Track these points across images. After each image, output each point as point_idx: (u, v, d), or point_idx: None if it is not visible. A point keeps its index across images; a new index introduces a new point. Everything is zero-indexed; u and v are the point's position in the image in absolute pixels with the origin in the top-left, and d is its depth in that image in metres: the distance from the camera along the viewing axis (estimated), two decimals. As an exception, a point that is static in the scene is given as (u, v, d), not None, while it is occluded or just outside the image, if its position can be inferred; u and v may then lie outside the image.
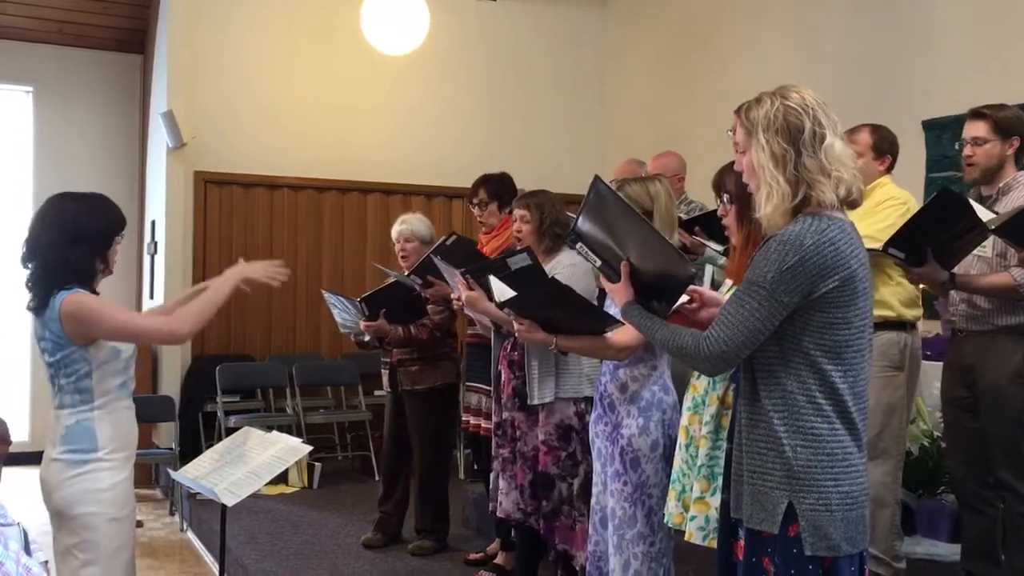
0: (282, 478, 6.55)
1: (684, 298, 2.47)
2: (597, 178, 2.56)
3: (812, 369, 2.14)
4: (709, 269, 4.17)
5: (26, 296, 3.02)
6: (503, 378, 4.09)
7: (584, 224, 2.57)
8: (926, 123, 5.76)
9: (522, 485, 3.96)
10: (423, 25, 7.42)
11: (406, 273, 4.85)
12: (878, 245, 3.50)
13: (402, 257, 5.10)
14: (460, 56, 8.54)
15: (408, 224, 5.14)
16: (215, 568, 5.30)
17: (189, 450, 6.42)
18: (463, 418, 5.26)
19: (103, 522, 2.88)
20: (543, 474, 3.89)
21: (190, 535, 6.26)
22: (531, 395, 3.88)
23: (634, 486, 3.12)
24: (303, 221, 8.17)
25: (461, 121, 8.53)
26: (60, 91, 8.81)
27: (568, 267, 3.79)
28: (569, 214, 3.89)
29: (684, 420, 3.04)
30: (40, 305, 2.93)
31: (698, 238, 4.05)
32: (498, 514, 4.08)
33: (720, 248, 3.80)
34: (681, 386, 3.13)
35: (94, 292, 2.97)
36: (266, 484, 3.49)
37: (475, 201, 4.99)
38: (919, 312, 3.99)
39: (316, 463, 6.86)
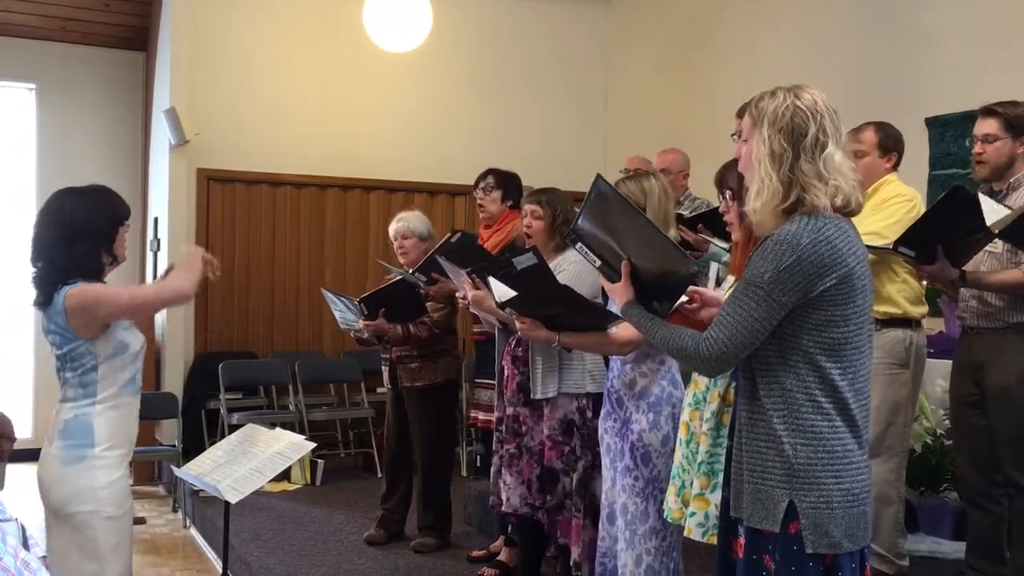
0: (285, 475, 6.56)
1: (684, 298, 2.47)
2: (599, 177, 2.56)
3: (811, 367, 2.14)
4: (714, 266, 4.17)
5: (29, 291, 3.01)
6: (506, 373, 4.09)
7: (585, 223, 2.57)
8: (929, 120, 5.76)
9: (529, 480, 3.97)
10: (426, 23, 7.42)
11: (410, 271, 4.86)
12: (885, 242, 3.49)
13: (401, 254, 5.11)
14: (463, 54, 8.54)
15: (405, 221, 5.14)
16: (218, 565, 5.30)
17: (192, 447, 6.43)
18: (473, 414, 5.29)
19: (100, 520, 2.87)
20: (548, 468, 3.91)
21: (193, 532, 6.27)
22: (535, 390, 3.89)
23: (646, 481, 3.13)
24: (306, 218, 8.18)
25: (464, 119, 8.53)
26: (63, 88, 8.82)
27: (574, 264, 3.79)
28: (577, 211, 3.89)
29: (685, 416, 3.05)
30: (45, 301, 2.93)
31: (703, 235, 4.05)
32: (505, 508, 4.08)
33: (725, 245, 3.80)
34: (686, 379, 3.13)
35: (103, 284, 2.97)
36: (269, 481, 3.49)
37: (480, 185, 5.05)
38: (924, 310, 3.99)
39: (319, 460, 6.87)
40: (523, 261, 3.20)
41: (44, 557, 2.37)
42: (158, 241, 7.97)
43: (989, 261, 3.61)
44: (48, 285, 2.92)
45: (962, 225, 3.38)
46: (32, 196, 8.56)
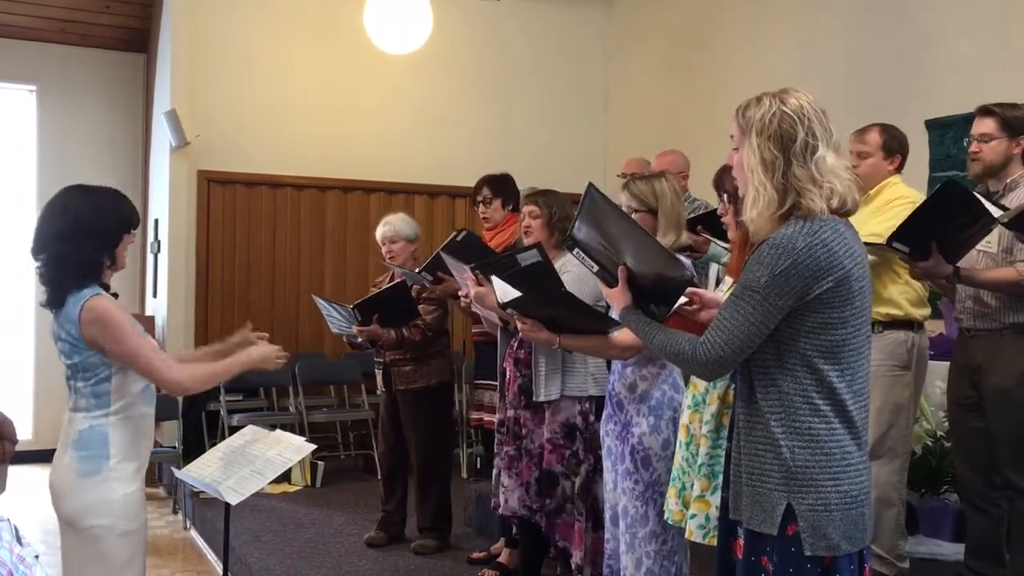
0: (285, 477, 6.56)
1: (683, 300, 2.47)
2: (591, 186, 2.56)
3: (808, 370, 2.13)
4: (714, 267, 4.17)
5: (29, 292, 2.99)
6: (508, 376, 4.09)
7: (580, 230, 2.58)
8: (929, 122, 5.76)
9: (528, 482, 3.97)
10: (426, 24, 7.42)
11: (416, 270, 4.86)
12: (883, 241, 3.49)
13: (389, 258, 5.13)
14: (463, 55, 8.54)
15: (391, 225, 5.16)
16: (218, 566, 5.31)
17: (192, 448, 6.43)
18: (476, 415, 5.29)
19: (115, 535, 2.80)
20: (548, 472, 3.90)
21: (193, 533, 6.26)
22: (537, 392, 3.89)
23: (645, 484, 3.13)
24: (306, 220, 8.18)
25: (464, 120, 8.54)
26: (64, 90, 8.83)
27: (579, 266, 3.79)
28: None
29: (684, 418, 3.05)
30: (55, 302, 2.83)
31: (704, 236, 4.05)
32: (503, 511, 4.08)
33: (726, 246, 3.80)
34: (688, 382, 3.13)
35: (107, 287, 2.90)
36: (269, 483, 3.48)
37: (479, 199, 5.19)
38: (926, 311, 3.98)
39: (319, 462, 6.87)
40: (527, 258, 3.20)
41: (37, 556, 2.35)
42: (158, 243, 7.97)
43: (984, 261, 3.60)
44: (57, 283, 2.83)
45: (955, 221, 3.36)
46: (32, 198, 8.57)
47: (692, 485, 2.94)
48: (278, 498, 6.40)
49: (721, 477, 2.73)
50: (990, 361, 3.60)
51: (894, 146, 3.96)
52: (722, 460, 2.75)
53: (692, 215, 4.45)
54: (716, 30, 7.72)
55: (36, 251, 2.87)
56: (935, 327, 5.06)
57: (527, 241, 4.06)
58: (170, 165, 7.71)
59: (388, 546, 5.14)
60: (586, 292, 3.37)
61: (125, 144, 9.05)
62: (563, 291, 3.08)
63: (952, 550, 4.32)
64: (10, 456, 2.96)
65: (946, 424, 4.27)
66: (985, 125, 3.63)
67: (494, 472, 4.23)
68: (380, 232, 5.18)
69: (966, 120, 3.74)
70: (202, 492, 4.85)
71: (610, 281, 2.52)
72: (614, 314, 2.62)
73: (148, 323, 7.91)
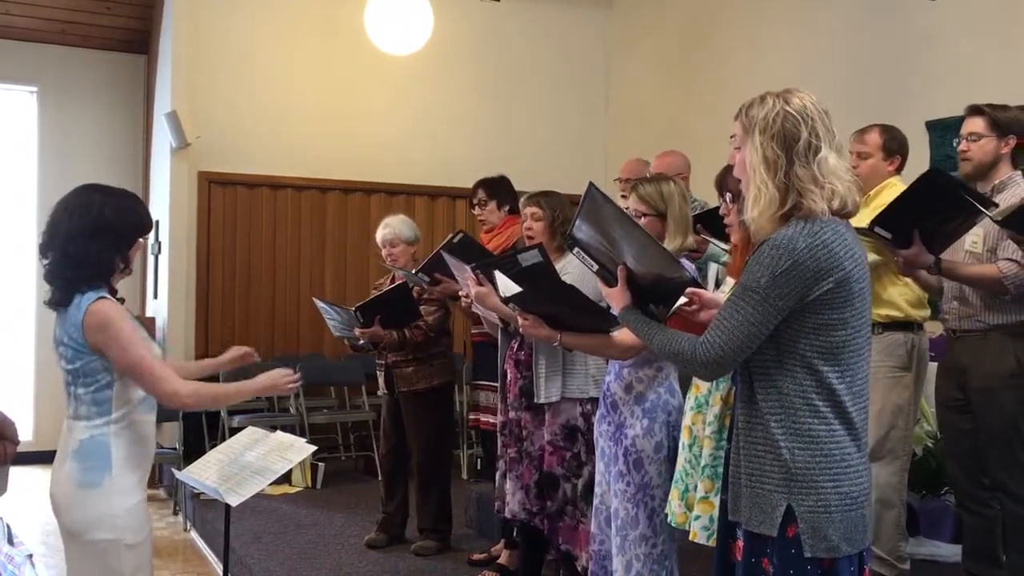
0: (286, 478, 6.56)
1: (682, 300, 2.47)
2: (591, 185, 2.56)
3: (808, 371, 2.13)
4: (713, 267, 4.17)
5: (30, 293, 2.96)
6: (509, 377, 4.09)
7: (581, 230, 2.57)
8: (930, 124, 5.75)
9: (528, 485, 3.96)
10: (427, 25, 7.42)
11: (414, 271, 4.86)
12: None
13: (391, 261, 5.12)
14: (464, 56, 8.54)
15: (391, 227, 5.15)
16: (219, 568, 5.30)
17: (193, 450, 6.43)
18: (473, 416, 5.29)
19: (121, 548, 2.73)
20: (549, 474, 3.89)
21: (194, 535, 6.26)
22: (538, 394, 3.88)
23: (637, 487, 3.12)
24: (306, 221, 8.18)
25: (465, 121, 8.54)
26: (64, 91, 8.83)
27: (580, 266, 3.77)
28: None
29: (687, 420, 3.04)
30: (61, 301, 2.76)
31: (703, 235, 4.05)
32: (504, 514, 4.08)
33: (725, 246, 3.80)
34: (687, 385, 3.13)
35: (114, 291, 2.84)
36: (270, 484, 3.48)
37: (475, 201, 5.21)
38: (926, 313, 3.98)
39: (320, 463, 6.87)
40: (528, 258, 3.19)
41: (30, 556, 2.33)
42: (159, 244, 7.97)
43: (969, 260, 3.59)
44: (64, 282, 2.76)
45: (940, 210, 3.32)
46: (33, 199, 8.57)
47: (695, 487, 2.94)
48: (278, 499, 6.40)
49: (724, 478, 2.73)
50: (975, 362, 3.59)
51: (894, 147, 3.96)
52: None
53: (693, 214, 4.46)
54: (716, 30, 7.72)
55: (47, 247, 2.79)
56: (936, 328, 5.05)
57: (528, 244, 4.05)
58: (171, 166, 7.72)
59: (388, 547, 5.14)
60: (586, 292, 3.36)
61: (125, 145, 9.05)
62: (566, 285, 3.07)
63: (952, 551, 4.31)
64: (11, 457, 2.95)
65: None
66: (974, 124, 3.63)
67: (497, 474, 4.22)
68: (380, 235, 5.18)
69: (966, 122, 3.73)
70: (203, 493, 4.84)
71: (610, 280, 2.52)
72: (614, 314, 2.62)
73: (149, 324, 7.91)
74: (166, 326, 7.67)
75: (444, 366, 5.12)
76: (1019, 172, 3.63)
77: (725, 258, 3.91)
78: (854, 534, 2.13)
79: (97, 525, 2.71)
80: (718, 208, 3.15)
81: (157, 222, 8.12)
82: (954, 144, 3.80)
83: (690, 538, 2.94)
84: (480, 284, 3.80)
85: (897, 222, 3.35)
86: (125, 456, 2.76)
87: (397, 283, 5.07)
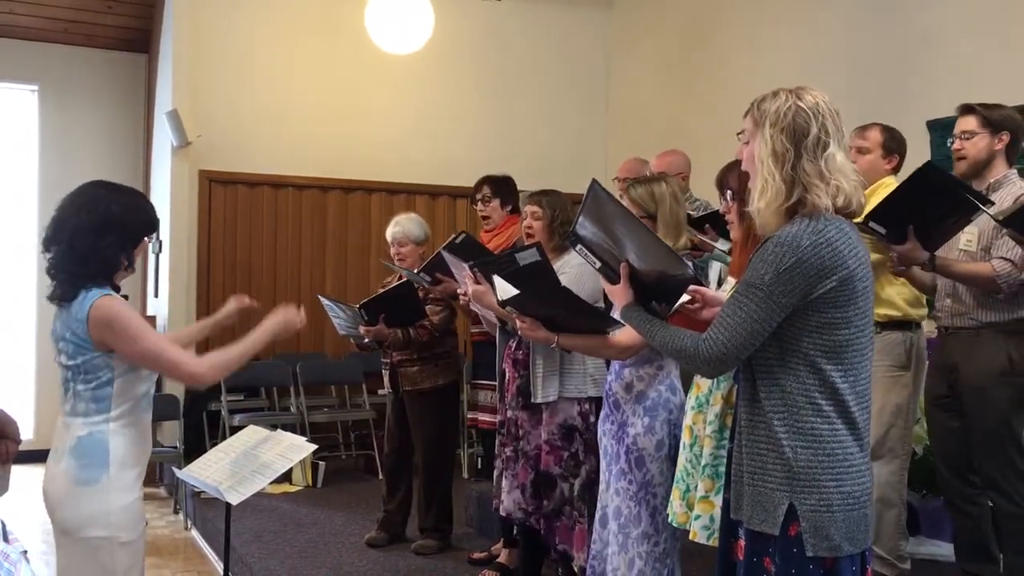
0: (286, 477, 6.56)
1: (685, 298, 2.47)
2: (595, 182, 2.56)
3: (811, 369, 2.14)
4: (716, 266, 4.17)
5: (31, 291, 2.94)
6: (507, 376, 4.09)
7: (583, 227, 2.57)
8: (930, 123, 5.74)
9: (523, 484, 3.96)
10: (427, 24, 7.42)
11: (416, 271, 4.87)
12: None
13: (399, 260, 5.12)
14: (464, 55, 8.55)
15: (400, 226, 5.15)
16: (219, 566, 5.31)
17: (193, 448, 6.44)
18: (471, 415, 5.29)
19: (114, 546, 2.72)
20: (545, 474, 3.89)
21: (194, 533, 6.27)
22: (535, 394, 3.88)
23: (639, 485, 3.13)
24: (307, 220, 8.19)
25: (465, 120, 8.54)
26: (65, 90, 8.83)
27: (578, 267, 3.79)
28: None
29: (688, 419, 3.05)
30: (64, 296, 2.74)
31: (706, 238, 4.05)
32: (500, 513, 4.08)
33: (726, 247, 3.80)
34: (688, 384, 3.13)
35: (117, 288, 2.83)
36: (270, 483, 3.48)
37: (478, 197, 5.20)
38: (924, 311, 3.98)
39: (320, 462, 6.87)
40: (525, 257, 3.19)
41: (25, 552, 2.33)
42: (160, 243, 7.98)
43: (964, 259, 3.59)
44: (68, 276, 2.74)
45: (935, 208, 3.33)
46: (34, 197, 8.57)
47: (696, 486, 2.94)
48: (279, 498, 6.40)
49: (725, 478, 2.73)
50: (967, 360, 3.59)
51: (893, 146, 3.97)
52: (726, 461, 2.75)
53: (694, 215, 4.46)
54: (716, 30, 7.72)
55: (51, 241, 2.78)
56: (934, 327, 5.05)
57: (529, 242, 4.05)
58: (171, 165, 7.72)
59: (389, 546, 5.14)
60: (583, 293, 3.36)
61: (126, 144, 9.06)
62: (562, 287, 3.07)
63: (952, 551, 4.31)
64: (13, 456, 2.95)
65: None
66: (967, 123, 3.64)
67: (495, 473, 4.23)
68: (390, 233, 5.17)
69: (968, 121, 3.73)
70: (203, 492, 4.85)
71: (612, 278, 2.52)
72: (616, 311, 2.62)
73: (150, 322, 7.89)
74: (167, 324, 7.67)
75: (449, 366, 5.12)
76: (1014, 170, 3.63)
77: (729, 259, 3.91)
78: (856, 533, 2.13)
79: (92, 522, 2.70)
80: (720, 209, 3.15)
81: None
82: (948, 143, 3.81)
83: (690, 538, 2.94)
84: (477, 283, 3.80)
85: (892, 217, 3.35)
86: (123, 453, 2.75)
87: (402, 281, 5.07)
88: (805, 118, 2.15)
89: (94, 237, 2.72)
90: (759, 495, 2.17)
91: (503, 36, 8.71)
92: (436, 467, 5.11)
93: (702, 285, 2.58)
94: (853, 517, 2.13)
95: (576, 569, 3.85)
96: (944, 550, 4.41)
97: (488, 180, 5.24)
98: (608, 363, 3.50)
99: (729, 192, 2.88)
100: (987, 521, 3.66)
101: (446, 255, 4.34)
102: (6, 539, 2.43)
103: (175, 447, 6.84)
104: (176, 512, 6.76)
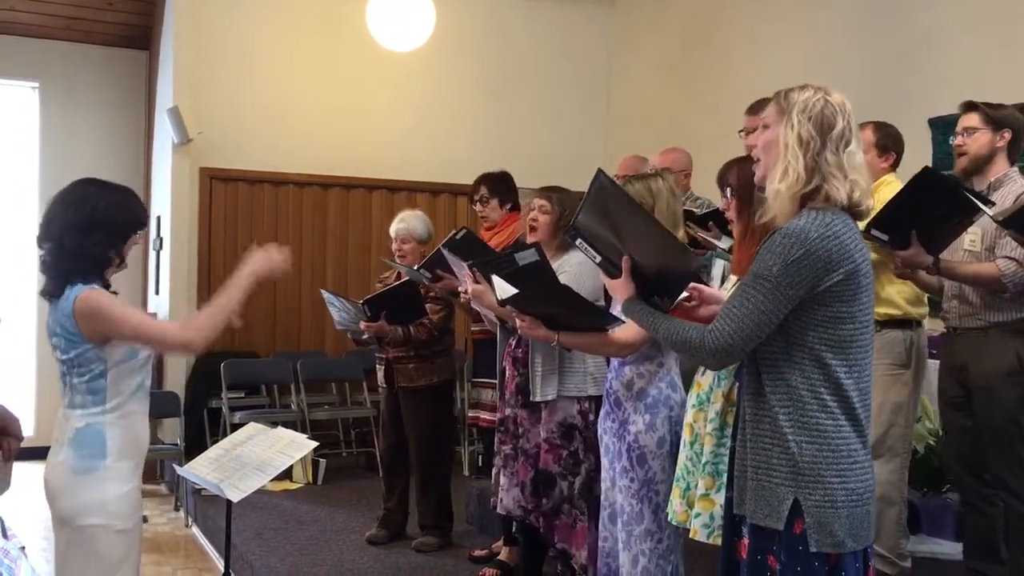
0: (287, 474, 6.56)
1: (685, 294, 2.47)
2: (600, 171, 2.56)
3: (817, 364, 2.14)
4: (720, 263, 4.17)
5: (31, 288, 2.96)
6: (507, 375, 4.08)
7: (585, 219, 2.57)
8: (932, 121, 5.74)
9: (523, 482, 3.96)
10: (429, 22, 7.42)
11: (416, 267, 4.87)
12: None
13: (399, 257, 5.12)
14: (466, 53, 8.53)
15: (405, 223, 5.14)
16: (220, 563, 5.31)
17: (194, 446, 6.43)
18: (473, 414, 5.29)
19: (109, 534, 2.78)
20: (544, 472, 3.88)
21: (195, 530, 6.27)
22: (534, 392, 3.87)
23: (641, 482, 3.13)
24: (308, 217, 8.19)
25: (466, 118, 8.53)
26: (66, 87, 8.82)
27: (576, 266, 3.79)
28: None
29: (689, 417, 3.05)
30: (54, 292, 2.80)
31: (709, 235, 4.05)
32: (499, 510, 4.08)
33: (728, 245, 3.79)
34: (689, 382, 3.13)
35: (107, 285, 2.87)
36: (271, 480, 3.49)
37: (476, 197, 5.19)
38: (924, 310, 3.98)
39: (321, 459, 6.87)
40: (525, 257, 3.19)
41: (23, 548, 2.33)
42: (161, 240, 7.98)
43: (968, 259, 3.59)
44: (57, 272, 2.80)
45: (936, 209, 3.33)
46: (35, 194, 8.56)
47: (696, 484, 2.94)
48: (280, 495, 6.40)
49: (725, 476, 2.73)
50: (976, 360, 3.60)
51: (888, 143, 3.95)
52: (726, 459, 2.75)
53: (696, 212, 4.46)
54: (718, 29, 7.72)
55: (42, 239, 2.83)
56: (936, 326, 5.05)
57: (530, 236, 4.04)
58: (172, 162, 7.71)
59: (389, 543, 5.14)
60: (583, 291, 3.35)
61: (127, 141, 9.04)
62: (562, 286, 3.07)
63: (954, 549, 4.32)
64: (15, 453, 2.95)
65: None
66: (969, 119, 3.65)
67: (494, 470, 4.23)
68: (394, 229, 5.16)
69: (968, 119, 3.73)
70: (204, 489, 4.85)
71: (612, 272, 2.51)
72: (616, 306, 2.62)
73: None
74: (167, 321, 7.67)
75: (445, 364, 5.12)
76: (1015, 169, 3.63)
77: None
78: (859, 530, 2.14)
79: (88, 510, 2.76)
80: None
81: (159, 218, 8.13)
82: (950, 141, 3.81)
83: (691, 536, 2.94)
84: (477, 282, 3.80)
85: (893, 223, 3.36)
86: (120, 444, 2.81)
87: (405, 279, 5.07)
88: (832, 112, 2.19)
89: (81, 235, 2.78)
90: (763, 490, 2.17)
91: (504, 34, 8.71)
92: (431, 464, 5.10)
93: (703, 282, 2.58)
94: (857, 513, 2.13)
95: (576, 567, 3.85)
96: (945, 548, 4.41)
97: (485, 179, 5.21)
98: (608, 361, 3.50)
99: (728, 189, 2.89)
100: (1000, 521, 3.66)
101: (446, 252, 4.34)
102: (5, 536, 2.44)
103: (176, 444, 6.84)
104: (177, 509, 6.76)
